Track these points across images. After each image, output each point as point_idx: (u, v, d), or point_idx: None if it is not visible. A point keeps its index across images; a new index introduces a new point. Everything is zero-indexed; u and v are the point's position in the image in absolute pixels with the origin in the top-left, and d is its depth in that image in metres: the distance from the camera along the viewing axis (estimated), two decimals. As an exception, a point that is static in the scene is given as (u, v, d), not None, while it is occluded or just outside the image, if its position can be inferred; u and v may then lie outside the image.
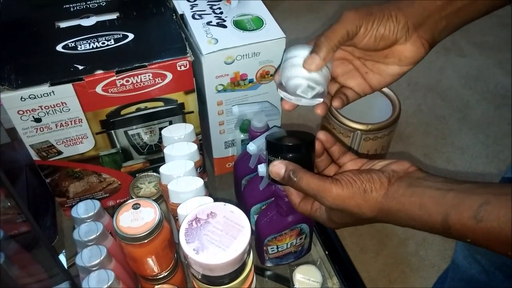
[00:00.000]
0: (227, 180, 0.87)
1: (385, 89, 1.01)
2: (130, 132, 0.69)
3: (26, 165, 0.80)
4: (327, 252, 0.75)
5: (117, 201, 0.80)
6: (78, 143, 0.67)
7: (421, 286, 1.11)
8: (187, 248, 0.50)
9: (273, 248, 0.69)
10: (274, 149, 0.51)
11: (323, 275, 0.66)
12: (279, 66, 0.55)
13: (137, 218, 0.53)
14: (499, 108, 1.63)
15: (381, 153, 1.01)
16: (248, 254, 0.56)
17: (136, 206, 0.54)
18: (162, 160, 0.76)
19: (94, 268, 0.54)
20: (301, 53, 0.52)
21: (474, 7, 0.48)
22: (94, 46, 0.63)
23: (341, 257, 0.74)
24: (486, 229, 0.37)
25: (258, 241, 0.70)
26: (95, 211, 0.59)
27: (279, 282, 0.73)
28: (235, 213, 0.54)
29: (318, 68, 0.49)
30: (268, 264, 0.73)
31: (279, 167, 0.48)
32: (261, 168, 0.61)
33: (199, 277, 0.54)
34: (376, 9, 0.47)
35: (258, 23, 0.69)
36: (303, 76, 0.51)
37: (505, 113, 1.61)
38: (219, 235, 0.52)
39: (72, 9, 0.70)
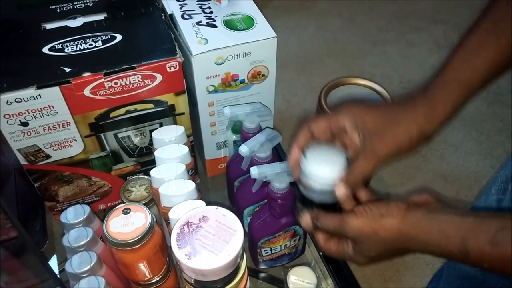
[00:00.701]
0: (219, 181, 0.86)
1: (379, 88, 1.00)
2: (120, 135, 0.68)
3: (15, 169, 0.78)
4: (321, 253, 0.74)
5: (108, 204, 0.79)
6: (66, 146, 0.66)
7: (416, 284, 1.11)
8: (179, 253, 0.49)
9: (266, 250, 0.68)
10: (303, 200, 0.53)
11: (317, 276, 0.65)
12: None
13: (128, 223, 0.52)
14: (492, 105, 1.63)
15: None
16: (242, 258, 0.55)
17: (126, 211, 0.53)
18: (153, 163, 0.75)
19: (84, 275, 0.52)
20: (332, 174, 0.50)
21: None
22: (82, 48, 0.62)
23: (335, 258, 0.73)
24: (502, 253, 0.38)
25: (251, 244, 0.69)
26: (85, 216, 0.58)
27: (273, 284, 0.73)
28: (228, 216, 0.53)
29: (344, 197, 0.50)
30: (262, 266, 0.72)
31: (306, 221, 0.51)
32: (254, 171, 0.60)
33: (192, 282, 0.54)
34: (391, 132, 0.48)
35: (249, 22, 0.68)
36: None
37: (498, 110, 1.61)
38: (212, 239, 0.51)
39: (58, 10, 0.68)
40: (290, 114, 1.50)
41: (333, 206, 0.51)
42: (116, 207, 0.54)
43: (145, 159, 0.74)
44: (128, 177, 0.74)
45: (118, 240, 0.51)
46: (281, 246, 0.68)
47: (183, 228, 0.52)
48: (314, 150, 0.51)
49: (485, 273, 0.70)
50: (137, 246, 0.52)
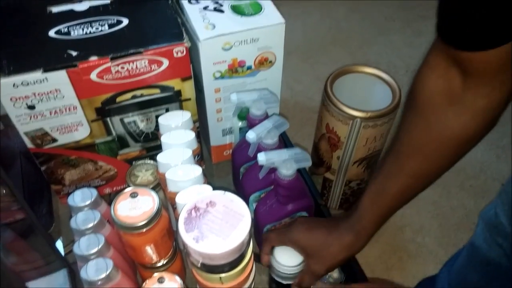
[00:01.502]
0: (224, 168, 0.86)
1: (385, 76, 0.99)
2: (126, 120, 0.68)
3: (20, 153, 0.79)
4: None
5: (114, 189, 0.79)
6: (73, 130, 0.66)
7: (418, 272, 1.11)
8: (187, 237, 0.49)
9: (271, 236, 0.68)
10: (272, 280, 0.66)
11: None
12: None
13: (135, 207, 0.52)
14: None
15: (381, 140, 1.00)
16: (248, 243, 0.55)
17: (134, 195, 0.53)
18: (159, 148, 0.75)
19: (92, 257, 0.53)
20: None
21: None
22: (88, 32, 0.62)
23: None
24: None
25: (257, 229, 0.69)
26: (92, 199, 0.58)
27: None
28: (235, 202, 0.53)
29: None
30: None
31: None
32: (261, 157, 0.60)
33: (199, 265, 0.54)
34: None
35: (257, 8, 0.68)
36: None
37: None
38: (219, 224, 0.51)
39: (65, -7, 0.68)
40: (294, 102, 1.49)
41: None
42: (124, 191, 0.54)
43: (151, 144, 0.74)
44: (134, 162, 0.74)
45: (126, 223, 0.51)
46: (286, 232, 0.68)
47: (191, 212, 0.52)
48: (279, 250, 0.64)
49: (511, 261, 0.70)
50: (145, 230, 0.52)
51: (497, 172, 1.40)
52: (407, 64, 1.71)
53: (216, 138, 0.80)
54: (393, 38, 1.82)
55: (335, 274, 0.69)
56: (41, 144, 0.65)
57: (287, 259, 0.63)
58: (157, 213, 0.52)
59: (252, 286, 0.64)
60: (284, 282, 0.66)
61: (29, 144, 0.65)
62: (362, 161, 1.06)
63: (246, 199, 0.70)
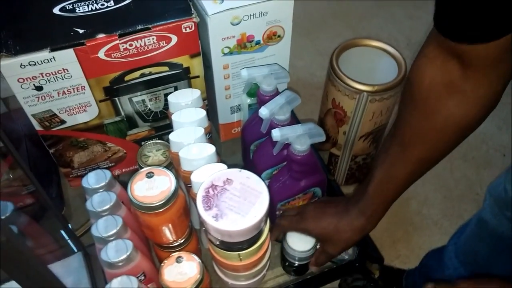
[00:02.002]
0: (231, 146, 0.85)
1: (391, 49, 0.98)
2: (134, 99, 0.67)
3: (25, 136, 0.78)
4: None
5: (123, 170, 0.79)
6: (81, 111, 0.65)
7: (424, 244, 1.13)
8: (206, 215, 0.49)
9: (285, 212, 0.68)
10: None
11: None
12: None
13: (152, 187, 0.52)
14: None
15: (387, 114, 1.00)
16: (266, 220, 0.55)
17: (150, 175, 0.53)
18: (167, 127, 0.75)
19: (111, 238, 0.52)
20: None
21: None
22: (93, 8, 0.60)
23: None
24: None
25: (270, 206, 0.69)
26: (107, 181, 0.57)
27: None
28: (251, 179, 0.53)
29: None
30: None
31: None
32: (275, 133, 0.59)
33: (217, 243, 0.54)
34: (334, 233, 0.62)
35: (264, -20, 0.66)
36: None
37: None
38: (237, 201, 0.50)
39: (66, -31, 0.66)
40: (296, 79, 1.48)
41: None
42: (139, 171, 0.53)
43: (159, 123, 0.73)
44: (143, 143, 0.73)
45: (144, 204, 0.50)
46: (300, 208, 0.68)
47: (208, 191, 0.51)
48: (291, 235, 0.66)
49: None
50: (163, 209, 0.51)
51: (499, 143, 1.41)
52: (407, 37, 1.70)
53: (224, 116, 0.79)
54: (393, 11, 1.80)
55: (349, 250, 0.69)
56: (49, 126, 0.64)
57: (299, 245, 0.65)
58: (175, 192, 0.52)
59: (268, 263, 0.64)
60: (297, 263, 0.66)
61: (37, 127, 0.64)
62: (368, 136, 1.06)
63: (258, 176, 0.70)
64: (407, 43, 1.60)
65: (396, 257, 1.10)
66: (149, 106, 0.69)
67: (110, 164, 0.76)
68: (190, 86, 0.69)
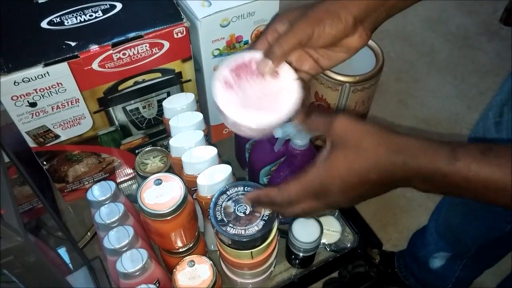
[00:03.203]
0: (223, 146, 0.86)
1: (371, 43, 1.01)
2: (128, 108, 0.67)
3: (15, 153, 0.75)
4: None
5: (117, 181, 0.78)
6: (75, 124, 0.64)
7: (412, 225, 1.17)
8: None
9: (287, 207, 0.69)
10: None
11: (341, 224, 0.67)
12: None
13: (162, 193, 0.52)
14: (462, 48, 1.68)
15: (368, 103, 1.03)
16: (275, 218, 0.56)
17: (158, 182, 0.53)
18: (161, 133, 0.75)
19: (124, 249, 0.52)
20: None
21: None
22: (82, 20, 0.59)
23: (350, 208, 0.76)
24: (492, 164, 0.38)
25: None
26: (112, 192, 0.57)
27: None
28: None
29: (270, 72, 0.50)
30: (282, 223, 0.74)
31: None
32: (277, 130, 0.60)
33: (229, 243, 0.54)
34: (325, 13, 0.49)
35: (249, -19, 0.67)
36: None
37: (469, 53, 1.66)
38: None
39: (47, -19, 0.64)
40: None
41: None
42: (147, 179, 0.53)
43: (153, 130, 0.73)
44: (137, 151, 0.73)
45: (156, 211, 0.51)
46: (301, 201, 0.70)
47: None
48: (297, 226, 0.66)
49: None
50: (175, 215, 0.52)
51: (470, 122, 1.48)
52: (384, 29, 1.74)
53: (215, 117, 0.79)
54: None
55: (337, 226, 0.71)
56: (43, 142, 0.63)
57: (304, 236, 0.65)
58: (186, 196, 0.52)
59: (275, 259, 0.65)
60: (302, 254, 0.68)
61: (31, 144, 0.62)
62: (351, 126, 1.08)
63: (256, 174, 0.71)
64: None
65: (387, 240, 1.14)
66: (143, 114, 0.69)
67: (105, 175, 0.75)
68: (182, 90, 0.69)
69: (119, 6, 0.61)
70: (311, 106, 1.05)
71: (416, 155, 0.40)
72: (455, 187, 0.40)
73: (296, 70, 0.56)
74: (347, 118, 0.44)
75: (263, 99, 0.48)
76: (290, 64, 0.55)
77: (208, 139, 0.69)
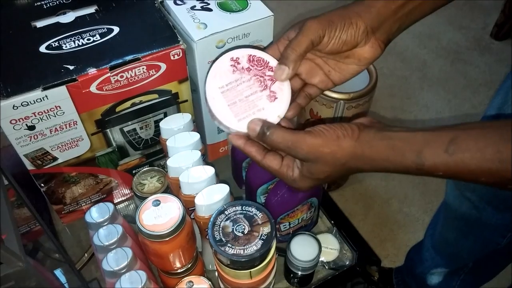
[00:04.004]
0: (220, 164, 0.86)
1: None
2: (125, 129, 0.67)
3: (11, 175, 0.76)
4: (332, 222, 0.77)
5: (115, 201, 0.78)
6: (73, 146, 0.64)
7: (410, 240, 1.17)
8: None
9: (285, 225, 0.70)
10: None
11: (339, 242, 0.68)
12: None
13: (160, 214, 0.52)
14: (454, 63, 1.71)
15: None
16: (272, 238, 0.56)
17: (156, 203, 0.53)
18: (158, 154, 0.75)
19: (122, 271, 0.52)
20: None
21: (422, 8, 0.52)
22: (80, 44, 0.60)
23: (347, 225, 0.76)
24: (458, 161, 0.40)
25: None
26: (110, 214, 0.57)
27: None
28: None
29: (288, 77, 0.51)
30: (281, 241, 0.74)
31: (256, 123, 0.49)
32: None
33: (228, 263, 0.55)
34: (337, 16, 0.50)
35: (243, 3, 0.68)
36: None
37: (460, 67, 1.69)
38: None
39: (45, 6, 0.65)
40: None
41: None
42: (146, 200, 0.54)
43: (150, 150, 0.74)
44: (135, 171, 0.73)
45: (155, 232, 0.51)
46: (298, 219, 0.70)
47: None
48: (295, 244, 0.66)
49: (480, 211, 0.75)
50: (173, 236, 0.52)
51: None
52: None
53: (211, 136, 0.80)
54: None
55: (335, 244, 0.72)
56: (41, 164, 0.63)
57: (303, 254, 0.65)
58: (184, 217, 0.53)
59: (274, 279, 0.65)
60: (300, 273, 0.68)
61: (29, 166, 0.63)
62: (347, 142, 1.09)
63: (253, 193, 0.71)
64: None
65: (385, 256, 1.14)
66: (140, 134, 0.70)
67: (102, 196, 0.75)
68: (179, 111, 0.70)
69: (116, 29, 0.62)
70: (306, 123, 1.06)
71: (395, 162, 0.43)
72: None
73: (306, 83, 0.57)
74: (316, 141, 0.45)
75: (252, 107, 0.50)
76: (299, 76, 0.56)
77: (205, 158, 0.69)
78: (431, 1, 0.52)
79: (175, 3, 0.68)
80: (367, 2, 0.50)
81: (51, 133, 0.60)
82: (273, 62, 0.52)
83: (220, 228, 0.54)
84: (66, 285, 0.67)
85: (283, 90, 0.51)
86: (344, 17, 0.49)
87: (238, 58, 0.51)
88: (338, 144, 0.45)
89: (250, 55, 0.51)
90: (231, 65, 0.51)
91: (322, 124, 0.47)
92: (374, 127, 0.45)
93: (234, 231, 0.54)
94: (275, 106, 0.50)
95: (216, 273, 0.61)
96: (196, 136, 0.64)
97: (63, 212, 0.73)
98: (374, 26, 0.50)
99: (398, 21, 0.51)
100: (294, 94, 0.55)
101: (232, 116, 0.49)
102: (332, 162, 0.45)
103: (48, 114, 0.58)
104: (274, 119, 0.50)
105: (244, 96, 0.50)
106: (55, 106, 0.58)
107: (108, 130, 0.65)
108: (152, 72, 0.62)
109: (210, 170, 0.60)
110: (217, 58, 0.52)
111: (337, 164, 0.46)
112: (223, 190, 0.58)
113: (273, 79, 0.51)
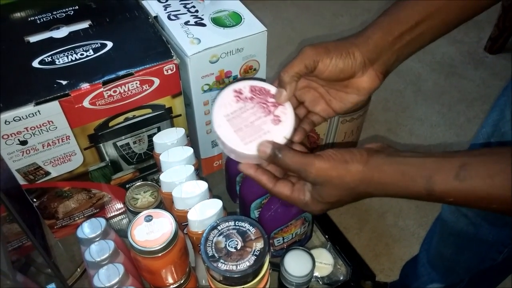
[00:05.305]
0: (214, 179, 0.86)
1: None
2: (119, 143, 0.67)
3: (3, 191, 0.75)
4: (327, 236, 0.76)
5: (108, 216, 0.77)
6: (66, 161, 0.64)
7: (405, 254, 1.16)
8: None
9: (279, 240, 0.69)
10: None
11: (334, 257, 0.67)
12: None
13: (152, 230, 0.52)
14: (448, 77, 1.72)
15: (357, 133, 1.04)
16: (266, 253, 0.56)
17: (148, 219, 0.53)
18: (151, 168, 0.75)
19: (114, 287, 0.52)
20: None
21: (419, 40, 0.53)
22: (73, 59, 0.60)
23: (342, 239, 0.76)
24: (468, 187, 0.40)
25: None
26: (102, 229, 0.57)
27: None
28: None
29: (287, 99, 0.52)
30: (274, 256, 0.73)
31: (266, 146, 0.49)
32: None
33: (220, 279, 0.54)
34: (334, 46, 0.51)
35: (237, 18, 0.69)
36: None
37: (454, 81, 1.70)
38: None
39: (38, 21, 0.66)
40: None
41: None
42: (138, 216, 0.53)
43: (143, 165, 0.73)
44: (128, 186, 0.73)
45: (147, 248, 0.50)
46: (292, 234, 0.70)
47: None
48: (289, 260, 0.65)
49: (476, 227, 0.75)
50: (165, 252, 0.52)
51: (459, 149, 1.50)
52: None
53: (205, 151, 0.80)
54: (344, 33, 1.89)
55: (329, 258, 0.71)
56: (33, 179, 0.63)
57: (296, 270, 0.65)
58: (176, 233, 0.52)
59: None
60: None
61: (21, 181, 0.62)
62: (341, 155, 1.09)
63: (246, 208, 0.71)
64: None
65: (380, 271, 1.13)
66: (133, 149, 0.70)
67: (95, 211, 0.75)
68: (172, 125, 0.70)
69: (109, 44, 0.63)
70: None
71: (405, 187, 0.43)
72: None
73: (309, 111, 0.57)
74: (324, 165, 0.46)
75: (258, 131, 0.50)
76: (303, 104, 0.57)
77: (199, 173, 0.69)
78: (428, 35, 0.52)
79: (169, 18, 0.69)
80: (365, 34, 0.51)
81: (43, 148, 0.60)
82: (274, 90, 0.53)
83: (213, 244, 0.53)
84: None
85: (287, 114, 0.52)
86: (341, 47, 0.50)
87: (241, 89, 0.53)
88: (345, 168, 0.45)
89: (252, 86, 0.53)
90: (234, 96, 0.52)
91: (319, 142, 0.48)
92: (384, 152, 0.45)
93: (227, 246, 0.53)
94: (280, 128, 0.51)
95: (209, 289, 0.60)
96: (190, 150, 0.64)
97: (55, 227, 0.73)
98: (371, 57, 0.50)
99: (396, 52, 0.51)
100: (300, 121, 0.57)
101: (238, 140, 0.50)
102: (340, 186, 0.46)
103: (41, 129, 0.58)
104: (280, 140, 0.50)
105: (249, 121, 0.51)
106: (48, 121, 0.57)
107: (101, 144, 0.65)
108: (146, 87, 0.62)
109: (203, 185, 0.60)
110: (220, 91, 0.53)
111: (346, 188, 0.46)
112: (216, 205, 0.58)
113: (275, 105, 0.52)
